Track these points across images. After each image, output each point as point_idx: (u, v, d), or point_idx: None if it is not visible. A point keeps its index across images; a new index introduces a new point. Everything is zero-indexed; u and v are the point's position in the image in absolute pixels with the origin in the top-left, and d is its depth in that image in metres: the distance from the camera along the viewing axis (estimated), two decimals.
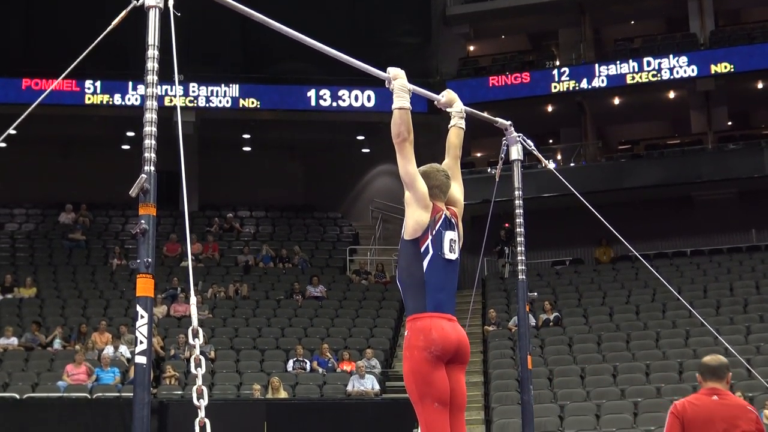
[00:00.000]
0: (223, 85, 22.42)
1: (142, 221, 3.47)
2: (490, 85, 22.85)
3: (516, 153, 6.23)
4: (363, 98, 22.52)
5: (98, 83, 21.86)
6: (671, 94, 23.47)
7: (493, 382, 15.97)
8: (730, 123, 23.96)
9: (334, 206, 24.99)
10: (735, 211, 21.65)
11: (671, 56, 21.93)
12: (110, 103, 22.02)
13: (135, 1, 3.69)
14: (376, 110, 22.08)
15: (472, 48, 26.33)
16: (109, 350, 16.01)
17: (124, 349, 16.17)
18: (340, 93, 22.56)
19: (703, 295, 18.25)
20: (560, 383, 15.57)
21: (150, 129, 3.60)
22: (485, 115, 6.31)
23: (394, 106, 4.42)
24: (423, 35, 24.77)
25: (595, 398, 14.72)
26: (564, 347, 16.94)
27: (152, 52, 3.65)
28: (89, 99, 21.92)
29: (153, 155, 3.58)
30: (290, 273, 20.58)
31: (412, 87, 4.60)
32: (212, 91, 22.36)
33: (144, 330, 3.39)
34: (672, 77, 21.93)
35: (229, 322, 18.05)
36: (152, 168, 3.55)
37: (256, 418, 13.61)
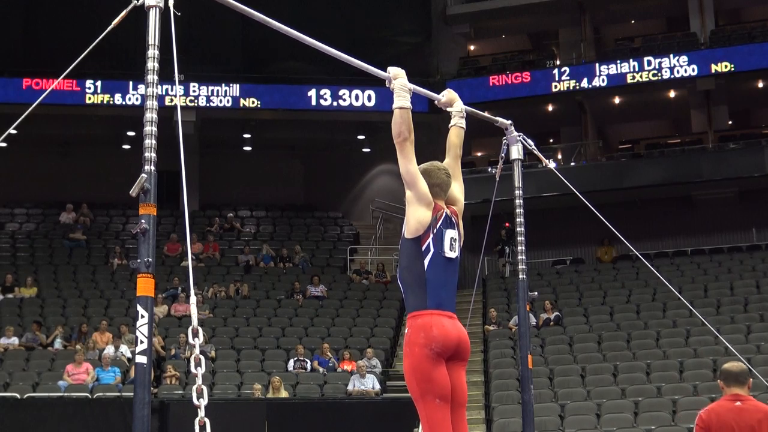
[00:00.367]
0: (223, 84, 22.42)
1: (143, 221, 3.47)
2: (491, 84, 22.85)
3: (516, 152, 6.22)
4: (363, 98, 22.51)
5: (99, 83, 21.86)
6: (671, 94, 23.47)
7: (494, 382, 15.97)
8: (730, 122, 23.95)
9: (334, 206, 25.01)
10: (735, 211, 21.65)
11: (671, 55, 21.93)
12: (111, 102, 22.01)
13: (135, 1, 3.69)
14: (376, 110, 22.08)
15: (472, 47, 26.34)
16: (109, 350, 16.02)
17: (124, 349, 16.17)
18: (341, 93, 22.56)
19: (703, 295, 18.25)
20: (561, 383, 15.56)
21: (150, 129, 3.61)
22: (486, 114, 6.31)
23: (394, 105, 4.42)
24: (423, 35, 24.77)
25: (595, 398, 14.72)
26: (564, 347, 16.94)
27: (152, 52, 3.65)
28: (90, 99, 21.92)
29: (153, 155, 3.58)
30: (291, 272, 20.58)
31: (412, 86, 4.60)
32: (213, 91, 22.36)
33: (144, 330, 3.39)
34: (672, 76, 21.93)
35: (229, 322, 18.05)
36: (153, 168, 3.55)
37: (257, 418, 13.61)
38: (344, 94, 22.55)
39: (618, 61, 22.27)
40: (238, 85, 22.50)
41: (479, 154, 25.02)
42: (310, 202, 25.24)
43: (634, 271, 19.89)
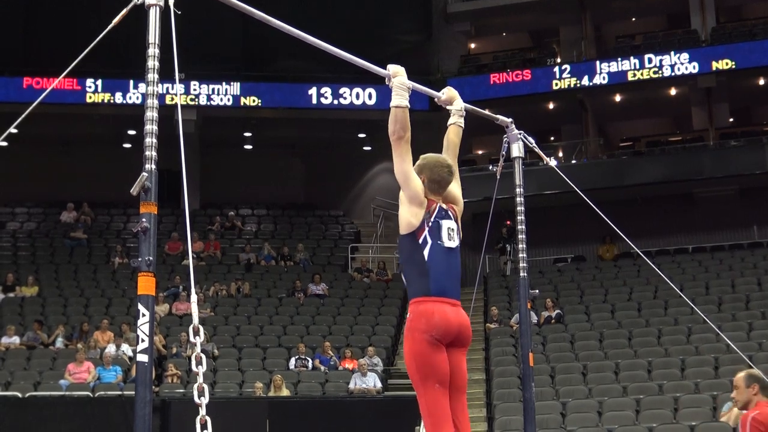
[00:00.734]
0: (224, 83, 22.42)
1: (144, 219, 3.47)
2: (491, 82, 22.85)
3: (517, 150, 6.22)
4: (364, 96, 22.51)
5: (99, 82, 21.86)
6: (672, 91, 23.45)
7: (495, 380, 15.97)
8: (731, 119, 23.95)
9: (335, 204, 25.01)
10: (736, 208, 21.64)
11: (672, 53, 21.92)
12: (111, 101, 22.00)
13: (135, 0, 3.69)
14: (377, 108, 22.05)
15: (473, 45, 26.32)
16: (111, 349, 16.03)
17: (126, 348, 16.17)
18: (342, 91, 22.55)
19: (704, 292, 18.25)
20: (562, 380, 15.57)
21: (151, 127, 3.60)
22: (486, 112, 6.30)
23: (391, 103, 4.42)
24: (424, 33, 24.76)
25: (597, 395, 14.72)
26: (566, 344, 16.94)
27: (153, 51, 3.65)
28: (90, 97, 21.92)
29: (154, 153, 3.58)
30: (292, 271, 20.59)
31: (411, 84, 4.60)
32: (213, 90, 22.35)
33: (146, 328, 3.39)
34: (673, 74, 21.92)
35: (231, 321, 18.06)
36: (153, 166, 3.55)
37: (259, 416, 13.60)
38: (345, 92, 22.55)
39: (619, 59, 22.26)
40: (238, 84, 22.50)
41: (480, 152, 25.01)
42: (311, 200, 25.25)
43: (635, 269, 19.88)
